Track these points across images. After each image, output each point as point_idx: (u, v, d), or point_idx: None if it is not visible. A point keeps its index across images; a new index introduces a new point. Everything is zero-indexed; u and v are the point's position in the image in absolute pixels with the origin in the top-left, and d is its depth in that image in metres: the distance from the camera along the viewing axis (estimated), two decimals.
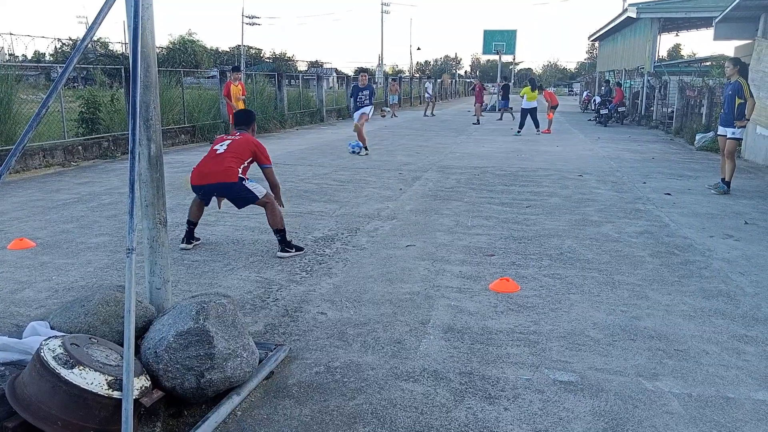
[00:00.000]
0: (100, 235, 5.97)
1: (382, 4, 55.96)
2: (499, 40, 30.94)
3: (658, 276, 4.85)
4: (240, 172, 5.25)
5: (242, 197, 5.33)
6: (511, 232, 6.21)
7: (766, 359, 3.40)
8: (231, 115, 12.87)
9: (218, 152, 5.30)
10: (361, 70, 15.02)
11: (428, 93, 27.65)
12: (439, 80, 42.98)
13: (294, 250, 5.41)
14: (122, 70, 13.05)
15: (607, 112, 21.66)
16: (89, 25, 2.87)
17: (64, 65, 2.79)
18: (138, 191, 2.65)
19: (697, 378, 3.18)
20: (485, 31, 31.44)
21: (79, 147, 11.47)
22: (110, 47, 35.81)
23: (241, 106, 13.00)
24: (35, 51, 43.70)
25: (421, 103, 38.50)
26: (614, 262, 5.22)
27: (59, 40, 28.65)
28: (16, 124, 9.93)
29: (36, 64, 28.12)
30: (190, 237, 5.60)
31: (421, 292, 4.46)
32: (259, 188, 5.35)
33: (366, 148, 12.64)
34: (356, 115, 12.75)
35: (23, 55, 30.21)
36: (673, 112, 18.58)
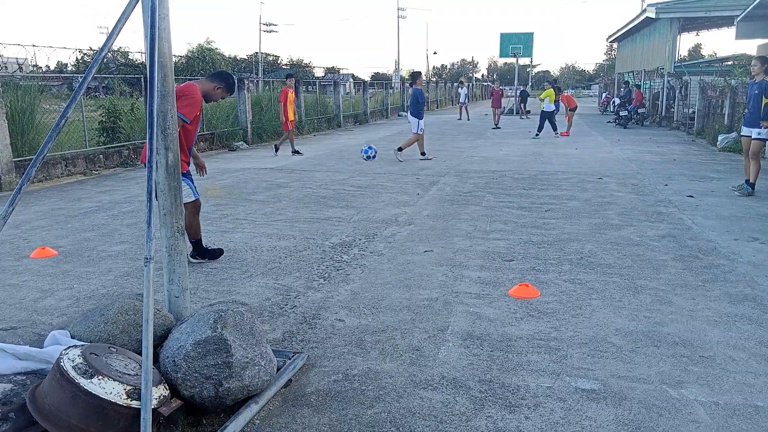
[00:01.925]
0: (120, 243, 6.03)
1: (398, 9, 56.11)
2: (516, 42, 30.80)
3: (681, 280, 4.75)
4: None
5: None
6: (530, 237, 6.15)
7: None
8: (285, 122, 13.50)
9: None
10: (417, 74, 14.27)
11: (462, 99, 27.52)
12: (455, 84, 42.90)
13: (208, 257, 5.32)
14: (142, 79, 13.23)
15: (626, 113, 21.42)
16: (108, 35, 2.90)
17: (101, 76, 2.82)
18: (154, 200, 2.66)
19: (723, 386, 3.10)
20: (502, 34, 31.32)
21: (100, 156, 11.63)
22: (130, 56, 36.32)
23: (293, 113, 13.68)
24: (58, 62, 44.58)
25: (438, 107, 38.46)
26: (636, 266, 5.13)
27: (80, 50, 29.13)
28: (39, 134, 10.10)
29: (58, 75, 28.63)
30: (197, 253, 5.47)
31: (439, 298, 4.42)
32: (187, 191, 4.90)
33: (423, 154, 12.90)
34: (421, 123, 12.81)
35: (46, 65, 30.82)
36: (694, 112, 18.30)
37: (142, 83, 13.05)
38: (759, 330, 3.79)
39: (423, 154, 12.84)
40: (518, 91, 29.75)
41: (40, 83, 11.28)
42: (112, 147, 12.08)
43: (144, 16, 2.92)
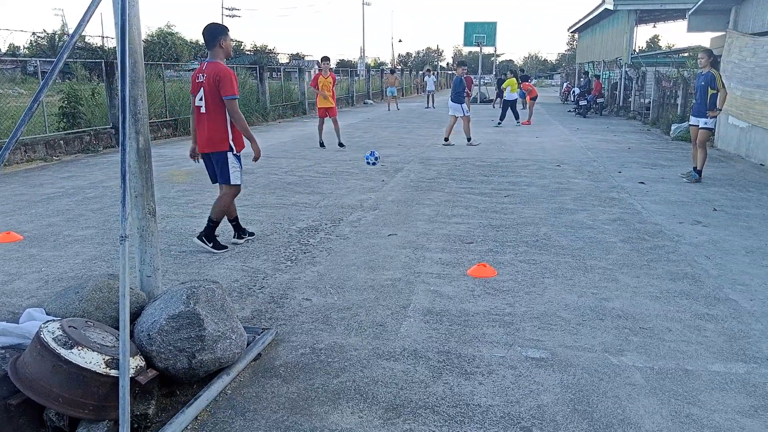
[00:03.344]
0: (86, 228, 6.06)
1: None
2: (480, 32, 31.15)
3: (628, 260, 5.07)
4: (230, 134, 5.04)
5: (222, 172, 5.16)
6: (489, 221, 6.41)
7: (724, 335, 3.63)
8: (318, 108, 12.43)
9: (201, 111, 5.02)
10: (461, 63, 14.47)
11: (430, 87, 27.76)
12: (421, 72, 43.11)
13: (212, 245, 5.27)
14: (102, 64, 13.01)
15: (586, 103, 22.00)
16: (80, 20, 2.98)
17: (54, 60, 2.90)
18: (129, 182, 2.78)
19: (659, 353, 3.40)
20: (466, 23, 31.62)
21: (61, 141, 11.45)
22: (88, 40, 35.36)
23: (331, 99, 12.31)
24: (10, 44, 43.00)
25: (403, 95, 38.58)
26: (587, 247, 5.44)
27: (35, 33, 28.29)
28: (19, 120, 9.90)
29: (12, 58, 27.77)
30: (239, 231, 5.60)
31: (402, 278, 4.64)
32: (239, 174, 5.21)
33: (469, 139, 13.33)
34: (460, 108, 13.18)
35: None
36: (650, 103, 18.94)
37: (103, 68, 12.82)
38: (695, 304, 4.12)
39: (469, 139, 13.36)
40: (496, 80, 29.81)
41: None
42: (72, 133, 11.89)
43: (114, 3, 3.01)
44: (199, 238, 5.30)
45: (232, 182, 5.20)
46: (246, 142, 5.20)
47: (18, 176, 9.16)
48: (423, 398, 2.91)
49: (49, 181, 8.66)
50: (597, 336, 3.61)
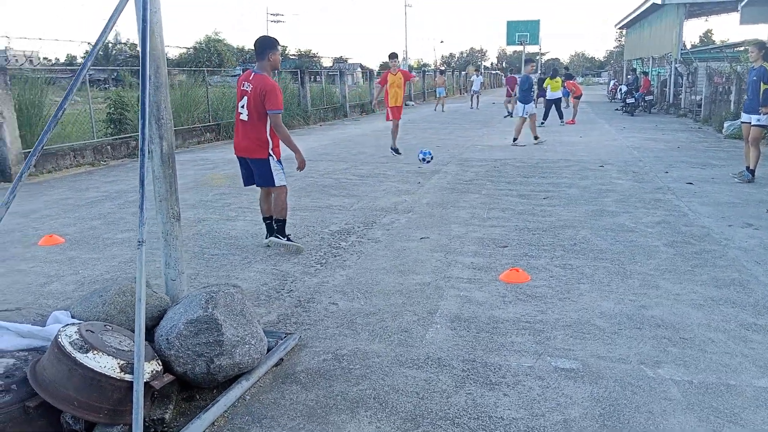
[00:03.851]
0: (125, 231, 6.20)
1: None
2: (523, 30, 30.67)
3: (671, 265, 4.84)
4: (270, 143, 5.12)
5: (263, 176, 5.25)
6: (526, 224, 6.24)
7: None
8: (388, 109, 11.29)
9: (242, 117, 5.13)
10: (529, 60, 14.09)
11: (476, 87, 27.51)
12: (464, 72, 42.76)
13: (285, 239, 5.44)
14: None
15: (633, 101, 21.32)
16: (103, 29, 3.02)
17: (97, 68, 2.95)
18: (147, 186, 2.79)
19: (699, 366, 3.20)
20: (508, 22, 31.24)
21: (108, 147, 11.81)
22: (139, 48, 36.54)
23: (399, 98, 11.20)
24: (67, 54, 44.90)
25: (446, 96, 38.28)
26: (627, 252, 5.22)
27: (89, 43, 29.39)
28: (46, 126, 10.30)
29: (65, 67, 28.90)
30: (271, 232, 5.63)
31: (431, 282, 4.54)
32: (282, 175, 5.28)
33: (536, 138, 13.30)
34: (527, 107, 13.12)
35: (56, 58, 31.17)
36: (701, 100, 18.20)
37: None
38: (741, 313, 3.88)
39: (536, 138, 13.31)
40: (537, 79, 29.26)
41: (47, 76, 11.45)
42: (119, 138, 12.26)
43: (136, 11, 3.04)
44: (274, 236, 5.45)
45: (277, 184, 5.28)
46: (286, 149, 5.26)
47: (66, 181, 9.48)
48: (444, 409, 2.82)
49: (94, 186, 8.93)
50: (633, 346, 3.43)
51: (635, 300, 4.13)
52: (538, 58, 58.21)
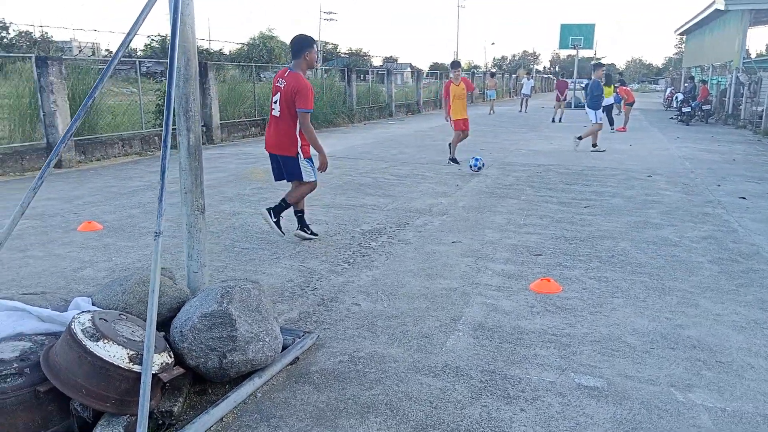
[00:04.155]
0: None
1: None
2: (577, 34, 29.90)
3: (714, 284, 4.58)
4: (299, 141, 5.14)
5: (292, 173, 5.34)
6: (563, 233, 6.04)
7: None
8: (452, 121, 10.71)
9: (274, 113, 5.20)
10: (598, 64, 13.43)
11: (526, 90, 27.11)
12: (514, 75, 42.13)
13: (309, 233, 5.64)
14: (198, 64, 13.64)
15: (689, 110, 20.53)
16: (136, 19, 3.05)
17: (153, 60, 2.98)
18: (167, 179, 2.79)
19: (735, 392, 3.00)
20: (562, 25, 30.48)
21: (155, 137, 12.11)
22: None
23: (462, 110, 10.61)
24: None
25: (497, 98, 37.82)
26: (668, 267, 4.98)
27: (149, 36, 30.30)
28: (97, 114, 10.65)
29: (128, 58, 29.82)
30: (303, 225, 5.68)
31: (458, 288, 4.44)
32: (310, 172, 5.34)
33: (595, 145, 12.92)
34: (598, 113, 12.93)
35: (110, 50, 32.26)
36: (762, 111, 17.36)
37: (198, 68, 13.45)
38: None
39: (594, 146, 12.99)
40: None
41: (99, 67, 11.82)
42: None
43: (169, 2, 3.05)
44: (301, 230, 5.63)
45: (305, 180, 5.32)
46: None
47: (113, 169, 9.77)
48: (456, 420, 2.72)
49: (138, 175, 9.16)
50: (664, 367, 3.25)
51: (671, 318, 3.92)
52: (592, 63, 56.83)
